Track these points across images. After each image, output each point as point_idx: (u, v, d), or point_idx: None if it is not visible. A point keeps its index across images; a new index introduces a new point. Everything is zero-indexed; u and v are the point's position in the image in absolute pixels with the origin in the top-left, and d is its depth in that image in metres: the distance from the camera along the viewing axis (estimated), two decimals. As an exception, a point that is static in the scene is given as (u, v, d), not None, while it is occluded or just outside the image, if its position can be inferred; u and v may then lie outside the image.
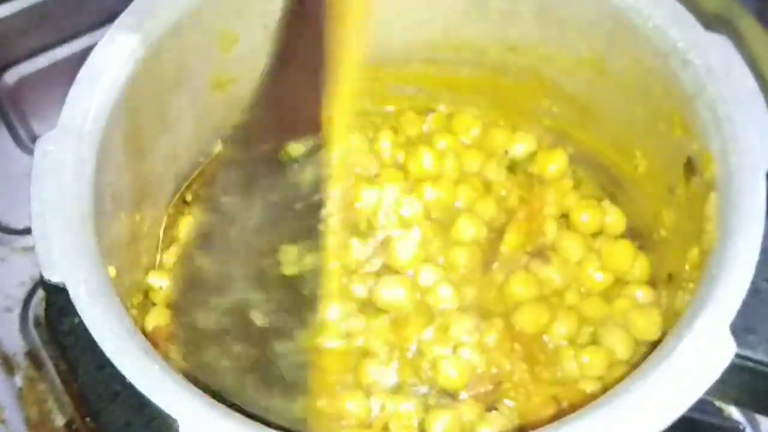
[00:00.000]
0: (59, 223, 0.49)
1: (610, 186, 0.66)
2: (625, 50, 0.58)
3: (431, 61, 0.68)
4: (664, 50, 0.55)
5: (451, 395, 0.60)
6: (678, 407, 0.44)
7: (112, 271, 0.51)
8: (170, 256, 0.64)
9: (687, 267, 0.54)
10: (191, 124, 0.63)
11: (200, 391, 0.46)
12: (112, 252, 0.53)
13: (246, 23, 0.60)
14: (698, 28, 0.54)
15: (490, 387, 0.59)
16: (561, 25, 0.61)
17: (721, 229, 0.49)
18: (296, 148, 0.62)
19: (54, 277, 0.48)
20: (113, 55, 0.55)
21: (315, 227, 0.61)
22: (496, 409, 0.58)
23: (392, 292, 0.62)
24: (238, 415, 0.45)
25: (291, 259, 0.61)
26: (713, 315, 0.46)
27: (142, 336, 0.47)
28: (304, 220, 0.61)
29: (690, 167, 0.55)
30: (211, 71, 0.62)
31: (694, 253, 0.53)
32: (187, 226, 0.65)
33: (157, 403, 0.44)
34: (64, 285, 0.48)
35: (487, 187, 0.67)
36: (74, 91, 0.54)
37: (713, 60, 0.53)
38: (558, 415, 0.52)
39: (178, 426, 0.44)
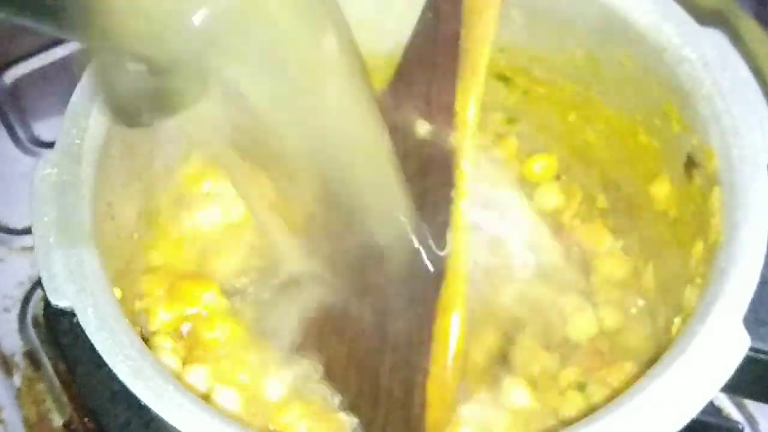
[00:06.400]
0: (63, 247, 0.48)
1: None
2: (618, 49, 0.58)
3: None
4: (659, 47, 0.55)
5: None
6: (696, 404, 0.44)
7: (118, 292, 0.50)
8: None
9: (693, 262, 0.54)
10: (178, 137, 0.62)
11: (216, 411, 0.45)
12: (116, 273, 0.52)
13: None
14: (692, 24, 0.54)
15: None
16: (551, 26, 0.61)
17: (727, 222, 0.50)
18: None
19: (61, 303, 0.47)
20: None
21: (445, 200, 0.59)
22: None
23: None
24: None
25: None
26: (725, 309, 0.46)
27: (154, 357, 0.47)
28: (433, 193, 0.60)
29: (691, 163, 0.55)
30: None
31: (699, 247, 0.53)
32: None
33: (175, 426, 0.43)
34: (72, 310, 0.47)
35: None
36: (70, 112, 0.53)
37: (709, 54, 0.53)
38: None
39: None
